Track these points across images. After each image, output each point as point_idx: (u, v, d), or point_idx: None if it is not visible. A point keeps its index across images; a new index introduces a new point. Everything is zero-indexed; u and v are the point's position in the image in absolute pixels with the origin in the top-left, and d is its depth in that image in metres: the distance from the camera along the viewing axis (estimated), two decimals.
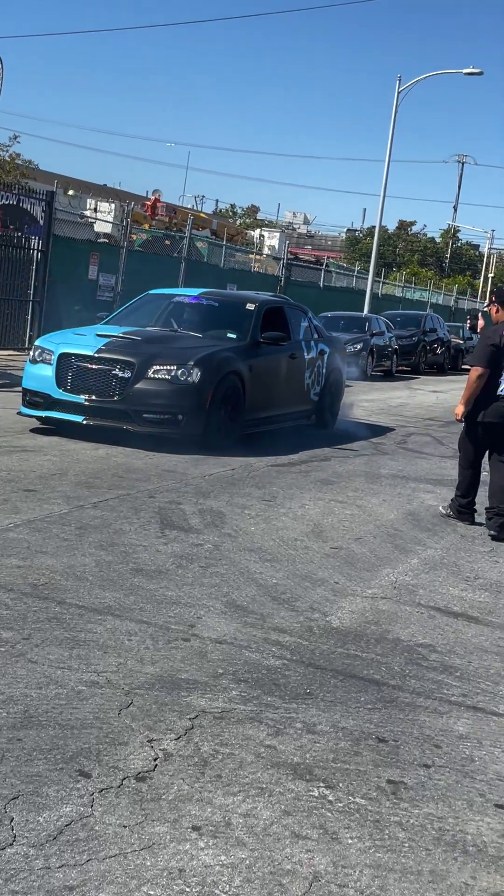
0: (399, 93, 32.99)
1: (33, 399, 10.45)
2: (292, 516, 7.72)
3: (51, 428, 10.46)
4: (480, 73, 32.70)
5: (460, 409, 7.93)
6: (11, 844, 2.92)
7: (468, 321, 9.72)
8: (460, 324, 38.11)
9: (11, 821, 3.04)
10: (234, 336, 11.27)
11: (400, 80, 33.05)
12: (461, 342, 35.43)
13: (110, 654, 4.45)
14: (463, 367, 35.73)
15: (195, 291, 12.53)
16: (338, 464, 10.54)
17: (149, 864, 2.91)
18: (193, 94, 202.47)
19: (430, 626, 5.46)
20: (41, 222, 19.28)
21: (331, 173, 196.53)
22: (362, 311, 32.36)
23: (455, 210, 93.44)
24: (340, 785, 3.53)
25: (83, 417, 10.01)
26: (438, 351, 32.06)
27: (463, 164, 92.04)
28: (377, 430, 13.90)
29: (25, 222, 18.94)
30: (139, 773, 3.43)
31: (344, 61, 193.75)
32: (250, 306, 11.69)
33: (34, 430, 10.38)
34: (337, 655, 4.82)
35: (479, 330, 8.80)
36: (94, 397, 10.03)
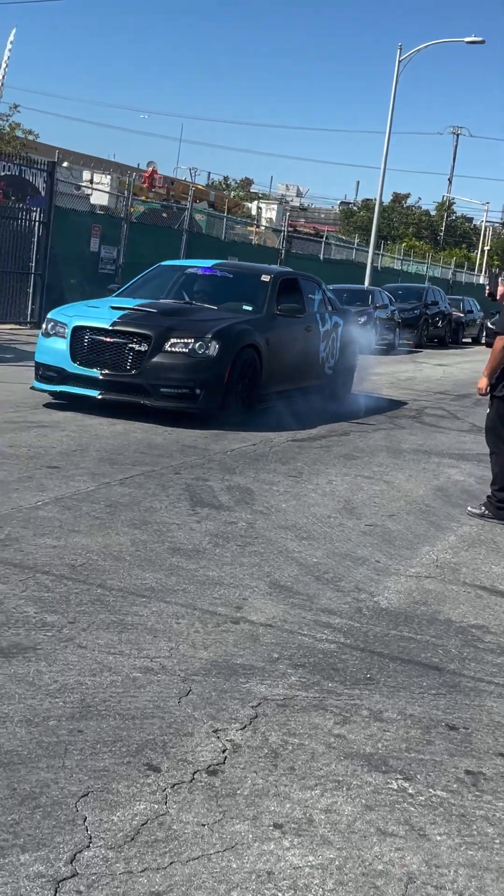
0: (400, 62, 32.59)
1: (47, 373, 10.23)
2: (321, 492, 7.53)
3: (64, 403, 10.24)
4: (482, 42, 32.35)
5: (483, 383, 7.45)
6: (88, 846, 2.74)
7: (486, 288, 9.45)
8: (461, 297, 37.84)
9: (85, 820, 2.86)
10: (249, 308, 11.04)
11: (400, 50, 32.65)
12: (461, 315, 35.21)
13: (160, 639, 4.27)
14: (463, 340, 35.55)
15: (208, 263, 12.29)
16: (357, 438, 10.35)
17: (235, 866, 2.74)
18: (186, 66, 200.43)
19: (480, 606, 5.30)
20: (43, 193, 18.96)
21: (324, 145, 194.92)
22: (362, 284, 32.10)
23: (450, 182, 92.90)
24: (418, 777, 3.36)
25: (98, 392, 9.80)
26: (440, 324, 31.82)
27: (458, 136, 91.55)
28: (390, 404, 13.71)
29: (28, 193, 18.61)
30: (209, 766, 3.26)
31: (335, 31, 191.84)
32: (265, 278, 11.46)
33: (48, 406, 10.17)
34: (391, 638, 4.65)
35: (498, 297, 8.36)
36: (109, 371, 9.81)
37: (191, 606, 4.72)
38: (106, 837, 2.79)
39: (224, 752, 3.37)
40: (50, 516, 5.95)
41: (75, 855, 2.69)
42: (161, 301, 10.97)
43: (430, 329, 30.86)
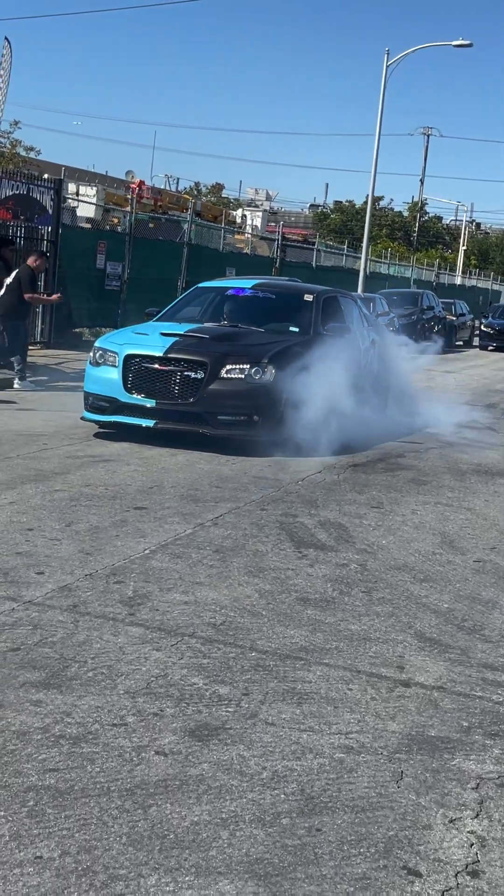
0: (388, 67, 32.45)
1: (97, 403, 9.96)
2: (412, 525, 7.33)
3: (113, 432, 9.99)
4: (470, 45, 32.26)
5: None
6: None
7: None
8: (452, 300, 37.78)
9: None
10: (296, 330, 10.83)
11: (388, 55, 32.52)
12: (455, 319, 35.15)
13: (342, 710, 4.04)
14: (456, 343, 35.48)
15: (248, 283, 12.04)
16: (414, 460, 10.15)
17: None
18: (156, 73, 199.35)
19: None
20: (50, 212, 18.65)
21: (292, 148, 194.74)
22: (356, 291, 31.94)
23: (422, 183, 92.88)
24: None
25: (154, 421, 9.54)
26: (436, 329, 31.71)
27: (428, 136, 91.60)
28: (425, 418, 13.45)
29: (35, 212, 18.28)
30: (467, 865, 3.04)
31: (304, 36, 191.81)
32: (308, 297, 11.25)
33: (98, 436, 9.92)
34: None
35: None
36: (164, 400, 9.56)
37: (353, 669, 4.49)
38: None
39: (472, 846, 3.15)
40: (165, 566, 5.71)
41: None
42: (210, 326, 10.73)
43: (426, 334, 30.72)
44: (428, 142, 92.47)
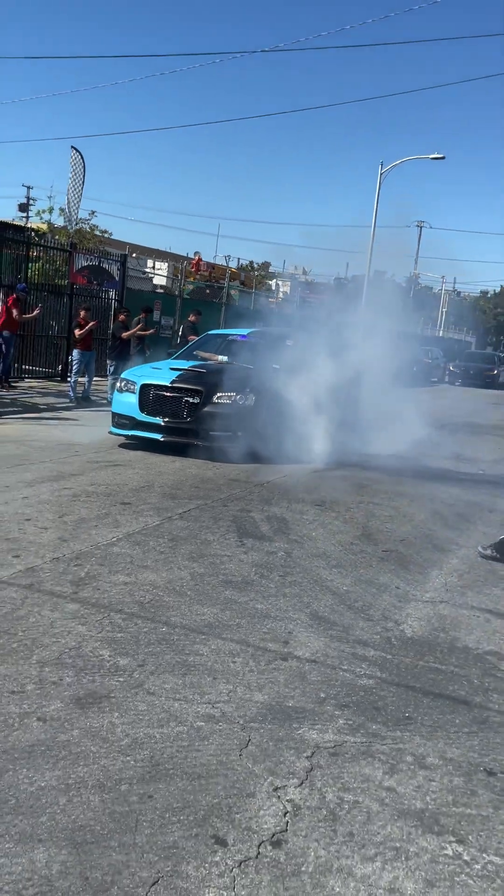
0: (381, 174, 31.75)
1: (120, 421, 9.51)
2: (342, 520, 6.74)
3: (134, 444, 9.51)
4: (443, 158, 31.44)
5: None
6: None
7: None
8: (429, 347, 36.78)
9: None
10: (278, 367, 10.26)
11: (382, 165, 31.82)
12: (430, 361, 34.18)
13: (220, 680, 3.50)
14: (432, 380, 34.48)
15: (245, 331, 11.52)
16: (366, 469, 9.51)
17: None
18: (221, 176, 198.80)
19: (489, 631, 4.49)
20: (117, 279, 18.29)
21: (321, 236, 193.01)
22: None
23: (416, 262, 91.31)
24: (470, 838, 2.57)
25: (161, 435, 9.06)
26: (413, 369, 30.80)
27: (421, 228, 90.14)
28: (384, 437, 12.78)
29: (105, 279, 17.92)
30: (273, 835, 2.49)
31: (329, 152, 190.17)
32: (290, 343, 10.67)
33: (122, 446, 9.44)
34: (420, 670, 3.85)
35: None
36: (170, 419, 9.08)
37: (244, 643, 3.94)
38: None
39: (286, 815, 2.59)
40: (123, 552, 5.20)
41: None
42: (209, 363, 10.22)
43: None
44: (420, 232, 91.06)
